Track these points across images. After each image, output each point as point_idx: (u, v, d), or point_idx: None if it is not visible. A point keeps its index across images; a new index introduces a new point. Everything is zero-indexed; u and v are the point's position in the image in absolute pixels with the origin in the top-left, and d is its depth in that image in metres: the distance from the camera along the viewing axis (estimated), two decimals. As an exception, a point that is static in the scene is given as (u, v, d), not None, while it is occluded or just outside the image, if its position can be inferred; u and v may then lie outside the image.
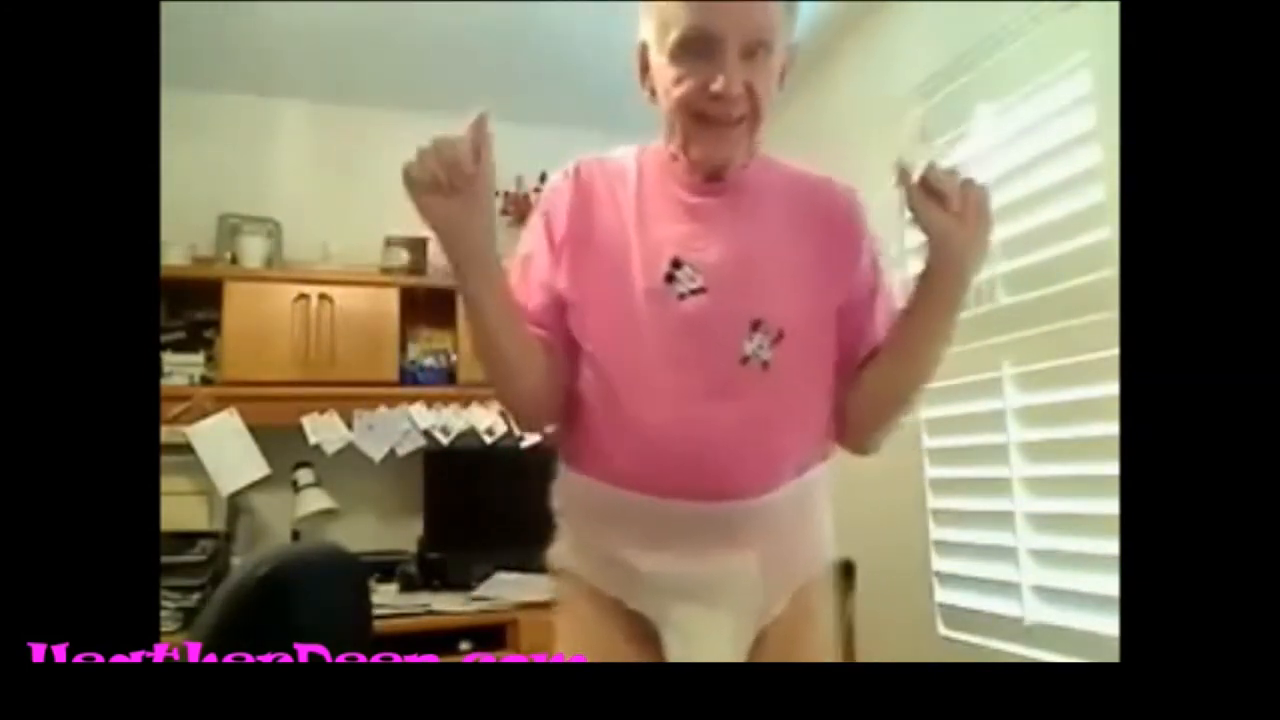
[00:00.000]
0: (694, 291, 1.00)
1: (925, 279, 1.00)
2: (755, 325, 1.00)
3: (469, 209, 0.92)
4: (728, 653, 1.00)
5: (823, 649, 1.08)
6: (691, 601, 1.00)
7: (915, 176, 0.94)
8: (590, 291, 1.03)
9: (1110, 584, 1.60)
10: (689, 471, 0.98)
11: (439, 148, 0.89)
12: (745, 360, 0.99)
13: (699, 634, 0.99)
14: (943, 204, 0.94)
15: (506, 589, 2.54)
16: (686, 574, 1.00)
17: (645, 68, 1.04)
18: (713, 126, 0.99)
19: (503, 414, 2.87)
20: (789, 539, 1.05)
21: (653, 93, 1.05)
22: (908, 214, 0.97)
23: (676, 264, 1.00)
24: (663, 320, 0.99)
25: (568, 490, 1.10)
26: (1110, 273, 1.60)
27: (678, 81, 0.98)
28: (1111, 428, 1.58)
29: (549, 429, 1.12)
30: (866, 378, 1.07)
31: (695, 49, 0.96)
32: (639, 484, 1.00)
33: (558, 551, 1.12)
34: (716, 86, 0.95)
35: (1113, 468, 1.57)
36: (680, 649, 0.99)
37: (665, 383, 0.99)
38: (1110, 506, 1.61)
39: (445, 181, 0.89)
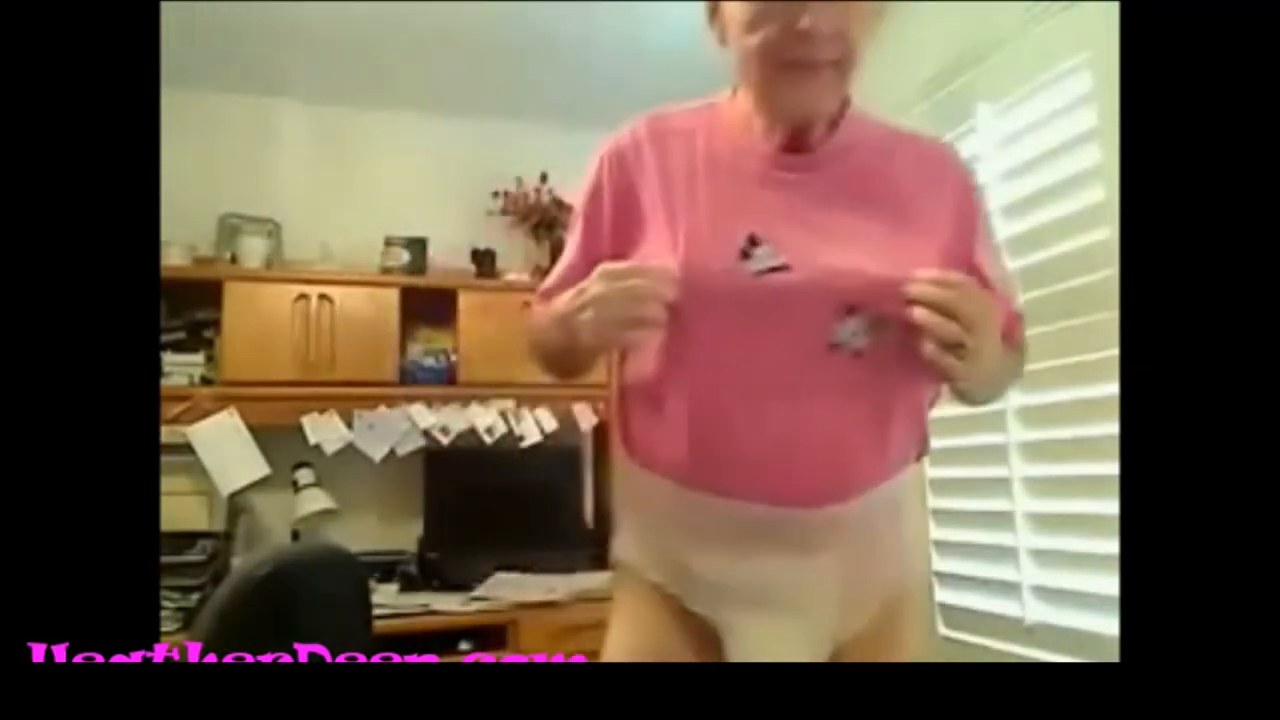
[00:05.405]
0: (774, 269, 0.88)
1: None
2: (851, 309, 0.87)
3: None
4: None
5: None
6: (757, 609, 0.91)
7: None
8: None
9: (1110, 584, 1.60)
10: (760, 473, 0.88)
11: (642, 281, 0.84)
12: (834, 348, 0.88)
13: (765, 643, 0.90)
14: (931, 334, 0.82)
15: (506, 589, 2.54)
16: (746, 581, 0.91)
17: (714, 7, 0.93)
18: (797, 72, 0.87)
19: (503, 414, 2.88)
20: (873, 548, 0.94)
21: (722, 37, 0.93)
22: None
23: (753, 241, 0.88)
24: (736, 300, 0.88)
25: (627, 482, 1.02)
26: (1110, 273, 1.60)
27: (755, 22, 0.86)
28: (1111, 428, 1.58)
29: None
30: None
31: None
32: (702, 482, 0.90)
33: (619, 543, 1.04)
34: (804, 24, 0.83)
35: (1113, 468, 1.57)
36: (743, 657, 0.91)
37: (737, 371, 0.88)
38: (1110, 506, 1.61)
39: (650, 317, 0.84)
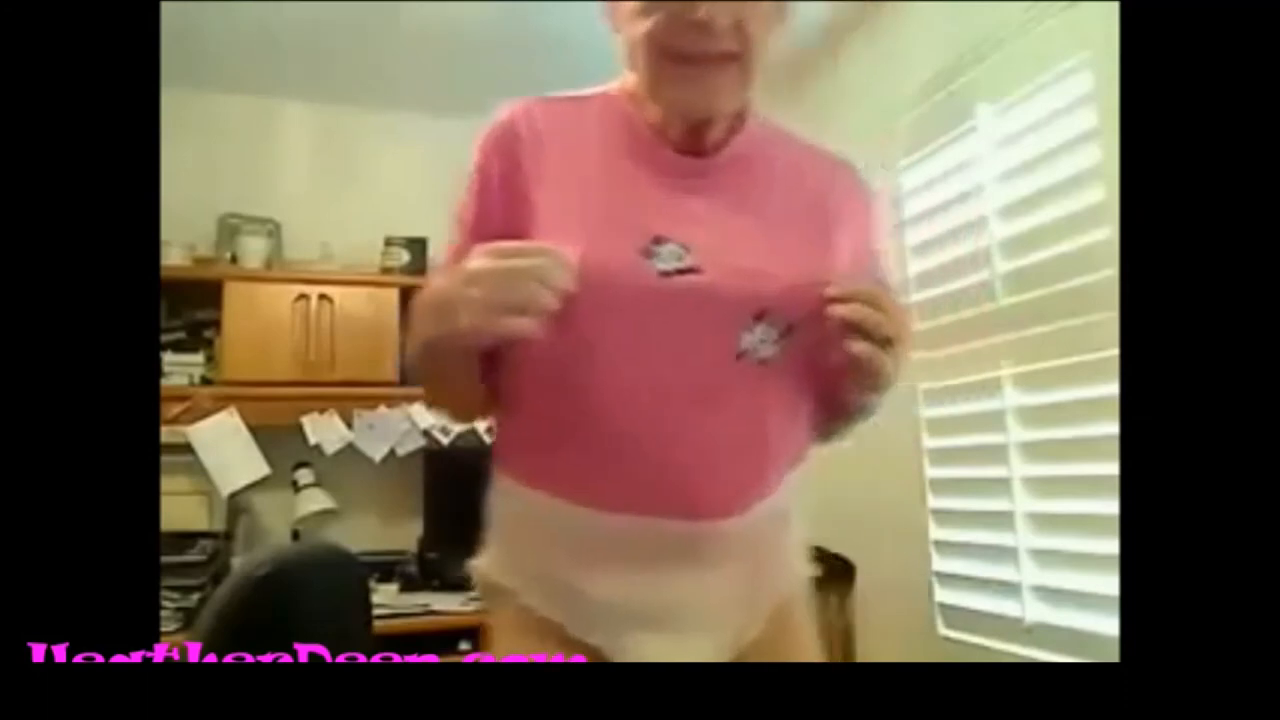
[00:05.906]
0: (682, 271, 0.81)
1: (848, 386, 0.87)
2: (760, 315, 0.83)
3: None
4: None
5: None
6: (656, 630, 0.84)
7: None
8: None
9: (1110, 584, 1.60)
10: (658, 486, 0.82)
11: (544, 267, 0.74)
12: (741, 355, 0.83)
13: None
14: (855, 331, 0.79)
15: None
16: (646, 601, 0.85)
17: None
18: (692, 66, 0.80)
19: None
20: (765, 557, 0.91)
21: (615, 24, 0.87)
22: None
23: (658, 240, 0.82)
24: (641, 301, 0.81)
25: (505, 502, 0.94)
26: (1110, 273, 1.60)
27: (646, 9, 0.80)
28: (1111, 428, 1.58)
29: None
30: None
31: None
32: (594, 499, 0.83)
33: (491, 564, 0.94)
34: (700, 15, 0.77)
35: (1113, 468, 1.57)
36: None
37: (640, 378, 0.82)
38: (1110, 506, 1.61)
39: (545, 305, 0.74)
